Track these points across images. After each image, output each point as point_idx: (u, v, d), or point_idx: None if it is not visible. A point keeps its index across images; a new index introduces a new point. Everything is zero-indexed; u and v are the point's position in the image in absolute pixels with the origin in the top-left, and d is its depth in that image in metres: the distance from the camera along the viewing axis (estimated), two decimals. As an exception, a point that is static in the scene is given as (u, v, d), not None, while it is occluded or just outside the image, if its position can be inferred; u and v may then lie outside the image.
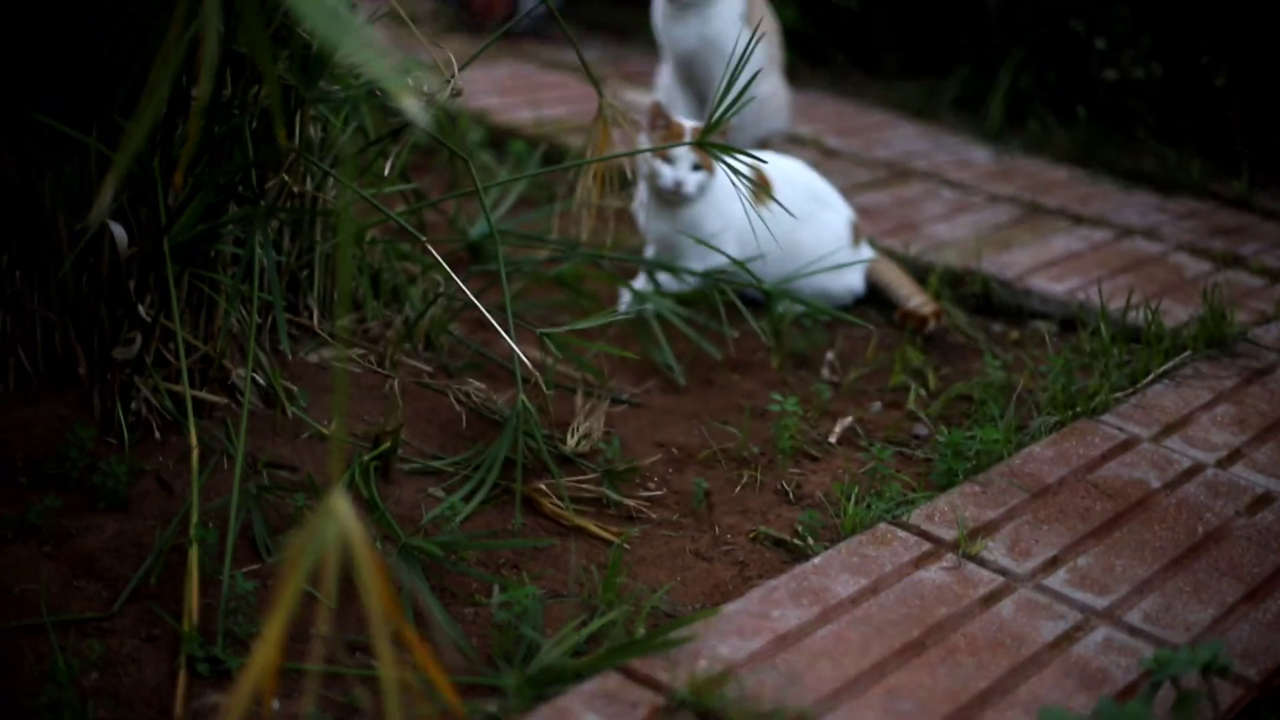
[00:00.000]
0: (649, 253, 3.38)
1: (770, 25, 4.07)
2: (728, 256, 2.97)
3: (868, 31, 5.70)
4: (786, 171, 3.33)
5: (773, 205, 3.03)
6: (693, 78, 3.97)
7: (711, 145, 2.76)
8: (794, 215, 3.12)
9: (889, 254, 3.61)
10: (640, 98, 4.56)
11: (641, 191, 3.26)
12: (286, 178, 2.57)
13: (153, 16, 2.20)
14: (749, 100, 2.66)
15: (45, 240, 2.33)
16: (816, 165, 3.61)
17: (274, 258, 2.32)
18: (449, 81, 2.60)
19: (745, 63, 2.65)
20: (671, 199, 3.16)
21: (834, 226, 3.35)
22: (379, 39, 1.41)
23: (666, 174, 3.12)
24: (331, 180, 2.72)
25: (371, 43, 1.39)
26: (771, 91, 4.06)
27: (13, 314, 2.39)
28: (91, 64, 2.24)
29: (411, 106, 1.35)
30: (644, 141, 3.13)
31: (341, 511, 1.41)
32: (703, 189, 3.15)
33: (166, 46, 2.03)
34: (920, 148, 4.66)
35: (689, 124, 3.15)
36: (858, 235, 3.43)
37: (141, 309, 2.33)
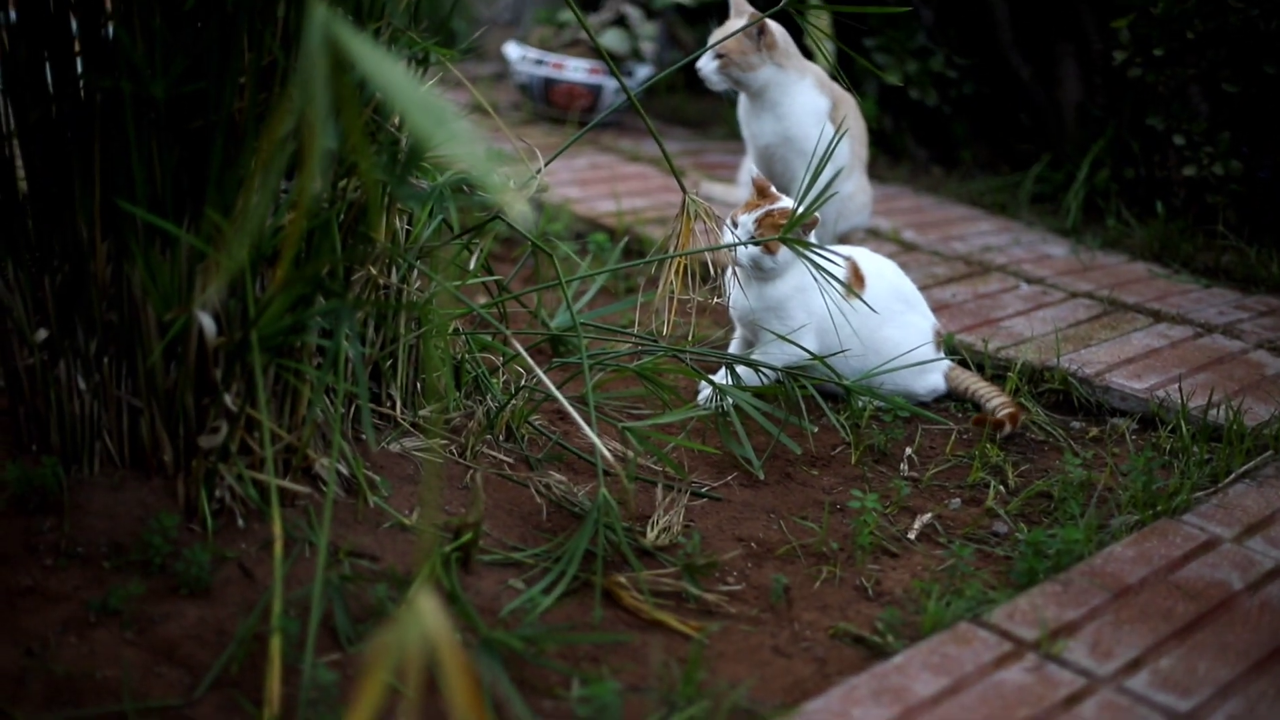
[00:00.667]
0: (735, 339, 3.40)
1: (856, 126, 4.11)
2: (809, 353, 2.98)
3: (945, 127, 5.72)
4: (878, 268, 3.34)
5: (859, 308, 3.07)
6: (774, 173, 4.00)
7: (794, 241, 2.78)
8: (878, 312, 3.15)
9: (968, 349, 3.61)
10: (720, 191, 4.60)
11: (732, 265, 3.27)
12: (373, 270, 2.60)
13: (251, 114, 2.23)
14: (831, 194, 2.68)
15: (133, 328, 2.36)
16: (895, 259, 3.61)
17: (360, 351, 2.34)
18: (536, 174, 2.62)
19: (826, 162, 2.68)
20: (756, 274, 3.17)
21: (919, 327, 3.36)
22: (473, 136, 1.42)
23: (743, 250, 3.14)
24: (416, 272, 2.74)
25: (466, 139, 1.40)
26: (854, 190, 4.10)
27: (100, 400, 2.42)
28: (183, 159, 2.28)
29: (516, 209, 1.36)
30: (728, 234, 3.14)
31: (427, 610, 1.41)
32: (783, 266, 3.15)
33: (266, 149, 2.08)
34: (998, 242, 4.66)
35: (787, 201, 3.16)
36: (940, 342, 3.43)
37: (228, 398, 2.35)
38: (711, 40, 3.94)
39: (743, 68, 3.90)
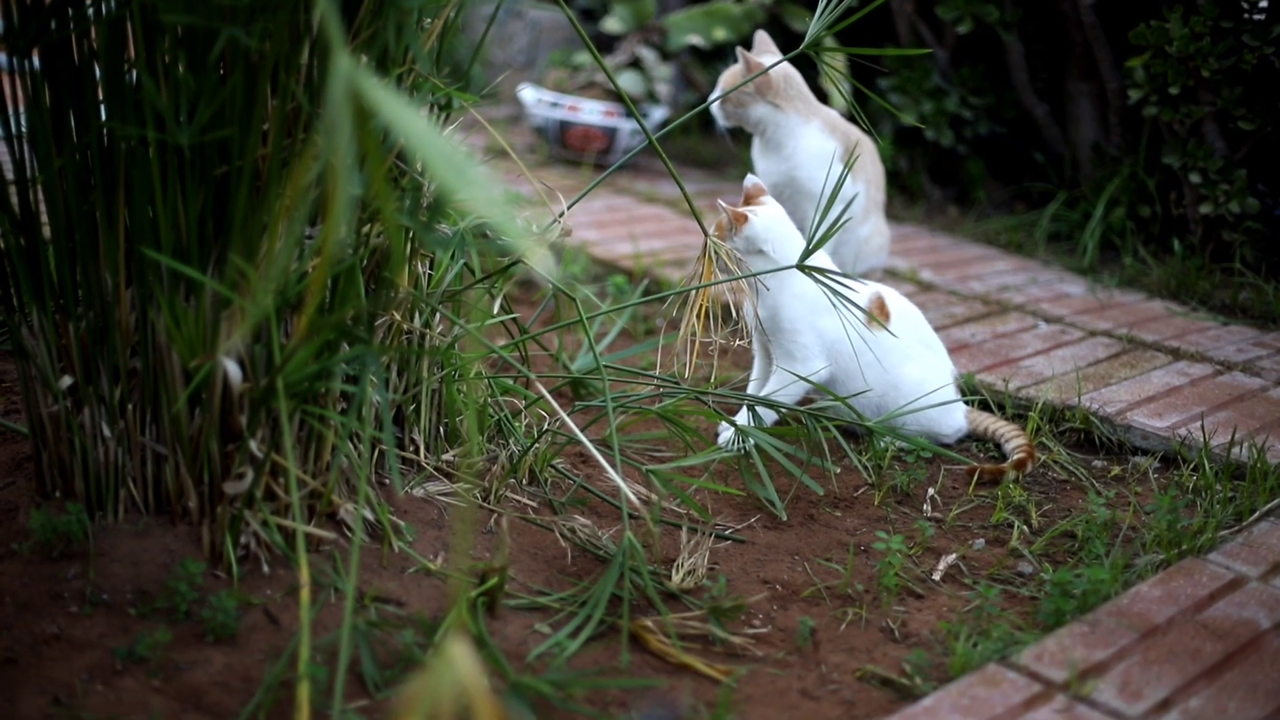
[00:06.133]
0: (754, 374, 3.40)
1: (873, 169, 4.12)
2: (832, 395, 2.99)
3: (961, 166, 5.74)
4: (902, 308, 3.34)
5: (882, 341, 3.09)
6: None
7: (810, 269, 2.79)
8: (901, 346, 3.18)
9: (989, 389, 3.61)
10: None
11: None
12: (396, 315, 2.60)
13: (275, 160, 2.24)
14: (847, 220, 2.70)
15: (158, 375, 2.36)
16: (913, 298, 3.61)
17: (386, 396, 2.34)
18: (558, 219, 2.63)
19: (834, 202, 2.70)
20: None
21: (942, 368, 3.36)
22: (494, 184, 1.42)
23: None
24: (438, 315, 2.75)
25: (488, 188, 1.41)
26: (871, 232, 4.11)
27: (124, 447, 2.42)
28: (207, 205, 2.28)
29: (538, 257, 1.36)
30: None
31: (459, 656, 1.41)
32: (749, 244, 3.19)
33: (291, 196, 2.08)
34: (1015, 281, 4.66)
35: (762, 206, 3.23)
36: (959, 388, 3.44)
37: (253, 444, 2.35)
38: (721, 80, 3.98)
39: (735, 103, 3.94)
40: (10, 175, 2.36)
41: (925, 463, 3.25)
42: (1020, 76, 5.46)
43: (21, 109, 2.31)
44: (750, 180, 3.30)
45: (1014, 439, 3.31)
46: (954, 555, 2.88)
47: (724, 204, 3.11)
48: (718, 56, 6.54)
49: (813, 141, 3.97)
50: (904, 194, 5.79)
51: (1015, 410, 3.56)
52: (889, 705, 2.36)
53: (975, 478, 3.19)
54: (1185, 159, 4.70)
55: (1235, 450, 3.25)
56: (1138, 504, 3.10)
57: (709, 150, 6.39)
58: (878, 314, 3.24)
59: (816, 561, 2.82)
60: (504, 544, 2.48)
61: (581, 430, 2.70)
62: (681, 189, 2.89)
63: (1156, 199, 4.99)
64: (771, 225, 3.17)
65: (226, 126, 2.21)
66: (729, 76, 3.97)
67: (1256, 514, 3.01)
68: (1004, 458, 3.32)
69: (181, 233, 2.27)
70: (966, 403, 3.47)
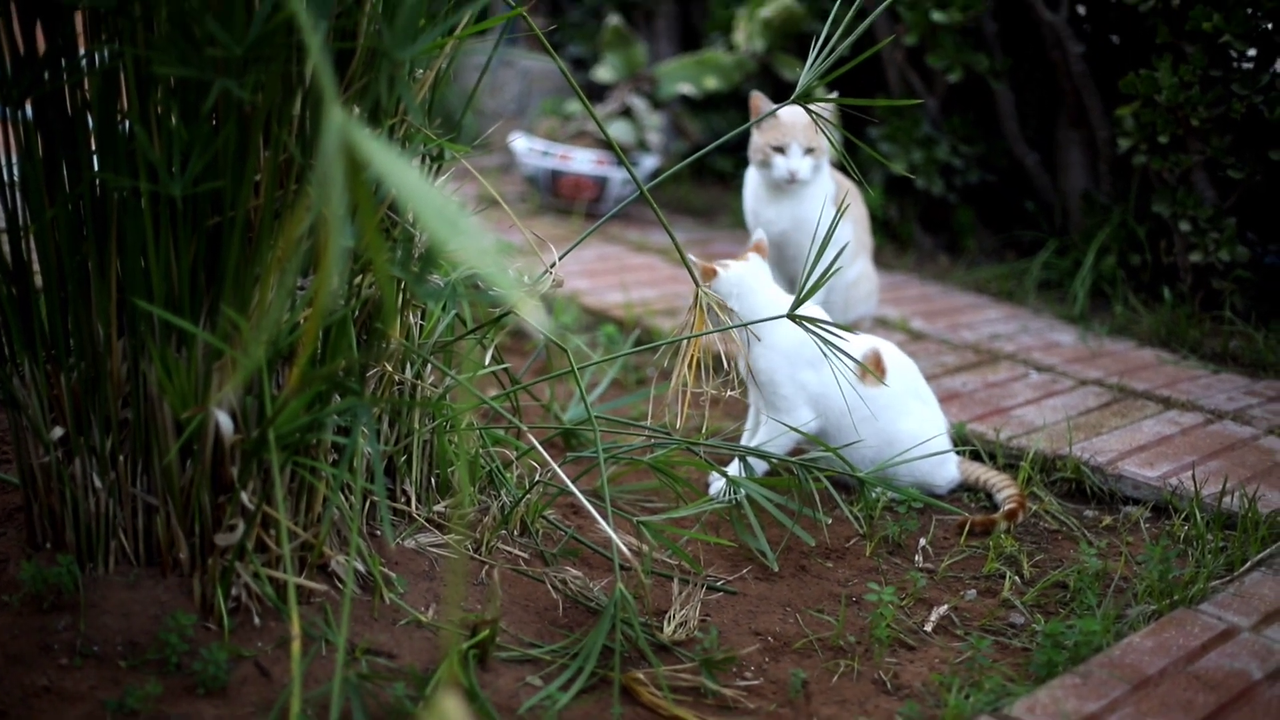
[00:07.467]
0: (748, 423, 3.40)
1: (859, 212, 4.13)
2: (825, 446, 2.99)
3: (951, 215, 5.75)
4: (898, 363, 3.35)
5: (877, 397, 3.11)
6: (783, 259, 4.01)
7: (801, 318, 2.79)
8: (895, 400, 3.19)
9: (980, 438, 3.62)
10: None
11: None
12: (388, 366, 2.60)
13: (267, 211, 2.24)
14: (837, 270, 2.70)
15: (149, 426, 2.36)
16: (904, 348, 3.62)
17: (377, 448, 2.34)
18: (550, 269, 2.63)
19: (831, 238, 2.71)
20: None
21: (936, 421, 3.36)
22: (485, 235, 1.42)
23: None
24: (430, 366, 2.75)
25: (479, 239, 1.41)
26: (860, 275, 4.11)
27: (115, 498, 2.42)
28: (199, 256, 2.28)
29: (529, 310, 1.36)
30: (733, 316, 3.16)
31: (451, 711, 1.41)
32: (722, 291, 3.20)
33: (283, 247, 2.08)
34: (1006, 330, 4.67)
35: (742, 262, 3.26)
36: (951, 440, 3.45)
37: (245, 496, 2.35)
38: (769, 139, 3.92)
39: (818, 154, 3.92)
40: (2, 224, 2.36)
41: (917, 513, 3.25)
42: (1010, 125, 5.49)
43: (14, 157, 2.31)
44: (758, 235, 3.31)
45: (1005, 489, 3.31)
46: (946, 606, 2.87)
47: (694, 259, 3.11)
48: (709, 105, 6.56)
49: (827, 185, 3.98)
50: (895, 242, 5.81)
51: (1007, 460, 3.56)
52: (881, 758, 2.36)
53: (966, 529, 3.18)
54: (1175, 207, 4.71)
55: (1226, 500, 3.25)
56: (1129, 554, 3.10)
57: (700, 198, 6.41)
58: (874, 370, 3.24)
59: (808, 613, 2.82)
60: (495, 596, 2.48)
61: (573, 481, 2.70)
62: (673, 239, 2.90)
63: (1146, 247, 5.00)
64: (742, 279, 3.18)
65: (219, 177, 2.21)
66: (784, 127, 3.93)
67: (1248, 564, 3.01)
68: (996, 507, 3.32)
69: (174, 283, 2.27)
70: (958, 453, 3.47)
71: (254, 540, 2.40)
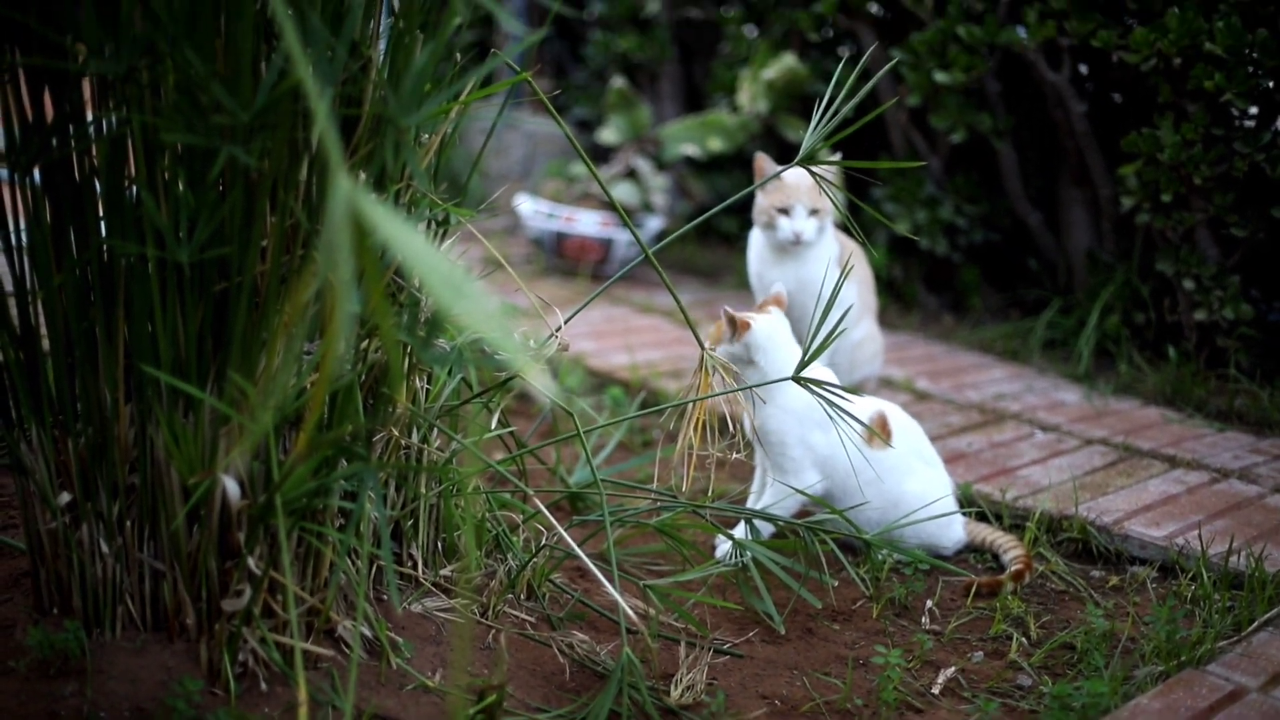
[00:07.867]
0: (754, 486, 3.40)
1: (864, 273, 4.14)
2: (830, 508, 2.99)
3: (955, 274, 5.77)
4: (904, 425, 3.35)
5: (883, 460, 3.11)
6: (790, 319, 4.01)
7: (807, 380, 2.79)
8: (901, 465, 3.18)
9: (985, 499, 3.61)
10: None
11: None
12: (394, 431, 2.60)
13: (274, 276, 2.25)
14: (842, 331, 2.71)
15: (157, 491, 2.36)
16: (909, 408, 3.62)
17: (384, 513, 2.34)
18: (556, 333, 2.63)
19: (836, 298, 2.72)
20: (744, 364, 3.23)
21: (942, 483, 3.36)
22: (491, 300, 1.43)
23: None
24: (436, 431, 2.75)
25: (484, 304, 1.41)
26: (865, 336, 4.11)
27: (122, 563, 2.42)
28: (206, 321, 2.29)
29: (536, 376, 1.37)
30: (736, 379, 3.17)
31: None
32: (737, 357, 3.21)
33: (290, 312, 2.09)
34: (1011, 389, 4.67)
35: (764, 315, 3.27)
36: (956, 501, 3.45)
37: (251, 561, 2.35)
38: (774, 201, 3.92)
39: (822, 216, 3.93)
40: (10, 289, 2.37)
41: (923, 574, 3.25)
42: (1014, 184, 5.50)
43: (22, 222, 2.32)
44: (777, 288, 3.32)
45: (1011, 550, 3.31)
46: (953, 668, 2.86)
47: (729, 309, 3.12)
48: (713, 167, 6.59)
49: (831, 247, 4.00)
50: (899, 302, 5.82)
51: (1013, 520, 3.56)
52: (890, 822, 2.35)
53: (973, 590, 3.18)
54: (1178, 265, 4.72)
55: (1233, 559, 3.24)
56: (1136, 614, 3.09)
57: (705, 259, 6.42)
58: (880, 433, 3.24)
59: (815, 676, 2.81)
60: (502, 660, 2.48)
61: (579, 544, 2.70)
62: (678, 302, 2.91)
63: (1150, 305, 5.01)
64: (771, 334, 3.19)
65: (226, 243, 2.22)
66: (788, 188, 3.93)
67: (1255, 624, 3.00)
68: (1002, 569, 3.32)
69: (180, 349, 2.28)
70: (964, 514, 3.47)
71: (261, 605, 2.39)
